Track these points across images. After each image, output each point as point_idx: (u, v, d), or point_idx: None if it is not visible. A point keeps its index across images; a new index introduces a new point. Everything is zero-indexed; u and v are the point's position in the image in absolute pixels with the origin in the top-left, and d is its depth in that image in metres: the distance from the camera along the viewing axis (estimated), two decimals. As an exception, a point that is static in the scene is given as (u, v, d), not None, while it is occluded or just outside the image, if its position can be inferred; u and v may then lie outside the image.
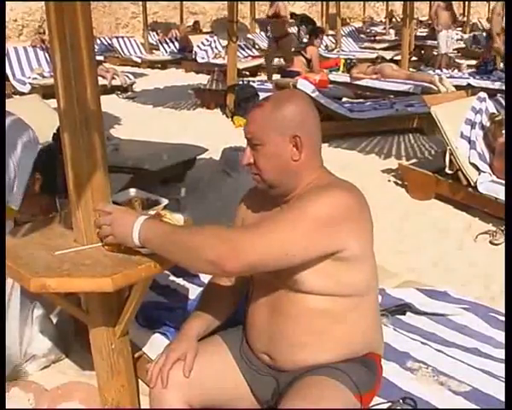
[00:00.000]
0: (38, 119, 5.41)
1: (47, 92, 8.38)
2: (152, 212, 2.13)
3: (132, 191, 2.44)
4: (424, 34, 18.13)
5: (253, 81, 10.58)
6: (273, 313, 1.86)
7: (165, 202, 2.35)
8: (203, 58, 14.44)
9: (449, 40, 12.21)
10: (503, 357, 2.33)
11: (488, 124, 5.01)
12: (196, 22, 21.50)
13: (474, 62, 12.18)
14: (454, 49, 15.57)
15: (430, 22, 17.31)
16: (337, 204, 1.70)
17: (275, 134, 1.77)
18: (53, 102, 2.00)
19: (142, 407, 2.34)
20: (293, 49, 11.44)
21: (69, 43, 1.85)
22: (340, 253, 1.70)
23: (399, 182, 5.66)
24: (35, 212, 2.67)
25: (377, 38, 20.43)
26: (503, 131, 4.82)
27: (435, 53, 12.94)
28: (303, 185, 1.83)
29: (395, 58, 12.54)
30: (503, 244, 4.23)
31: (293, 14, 19.19)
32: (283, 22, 11.53)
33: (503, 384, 2.09)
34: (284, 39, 11.42)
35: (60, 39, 1.86)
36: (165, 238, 1.75)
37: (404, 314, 2.66)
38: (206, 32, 17.94)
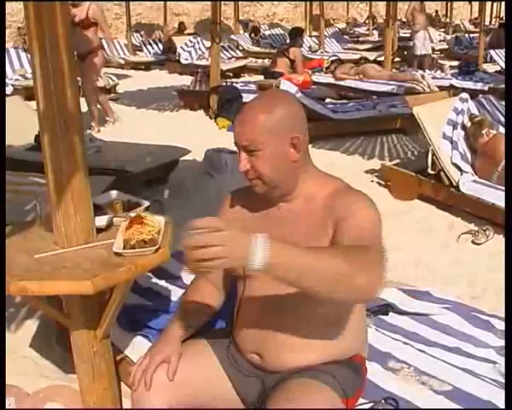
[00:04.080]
0: (21, 120, 5.42)
1: (29, 94, 8.28)
2: (132, 214, 2.12)
3: (113, 193, 2.44)
4: (407, 35, 18.19)
5: (237, 82, 10.60)
6: (266, 314, 1.85)
7: (145, 204, 2.35)
8: (187, 59, 14.39)
9: (426, 41, 12.26)
10: (485, 356, 2.35)
11: (469, 125, 5.05)
12: (182, 23, 21.46)
13: (456, 63, 12.28)
14: (437, 50, 15.68)
15: (411, 23, 17.41)
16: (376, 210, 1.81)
17: (273, 138, 1.72)
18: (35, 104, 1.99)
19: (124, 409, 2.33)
20: (276, 51, 11.02)
21: (48, 44, 1.85)
22: None
23: (382, 182, 5.67)
24: None
25: (360, 39, 20.53)
26: (483, 132, 4.86)
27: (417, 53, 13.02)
28: (303, 184, 1.82)
29: (378, 59, 12.60)
30: (486, 244, 4.27)
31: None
32: (94, 32, 7.66)
33: (485, 383, 2.11)
34: (91, 56, 7.68)
35: (39, 41, 1.85)
36: (298, 264, 1.43)
37: (387, 314, 2.67)
38: (190, 34, 17.90)
